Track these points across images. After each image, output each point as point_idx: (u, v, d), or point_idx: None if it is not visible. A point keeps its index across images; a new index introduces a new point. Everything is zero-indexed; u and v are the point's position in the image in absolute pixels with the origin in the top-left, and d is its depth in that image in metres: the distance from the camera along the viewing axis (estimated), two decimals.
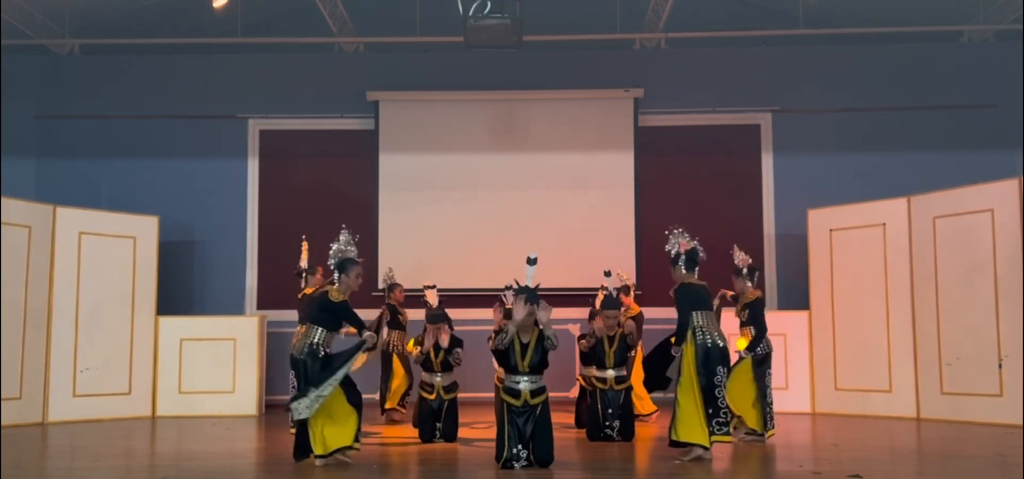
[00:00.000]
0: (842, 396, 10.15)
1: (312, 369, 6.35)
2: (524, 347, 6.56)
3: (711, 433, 6.53)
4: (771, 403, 7.77)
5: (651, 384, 7.40)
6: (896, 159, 11.85)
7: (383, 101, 12.20)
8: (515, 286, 9.07)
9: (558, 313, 10.65)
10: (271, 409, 10.79)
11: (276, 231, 12.15)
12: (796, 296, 11.32)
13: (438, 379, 8.07)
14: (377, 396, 9.77)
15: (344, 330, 6.81)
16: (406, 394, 9.65)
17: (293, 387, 6.93)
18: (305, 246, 9.39)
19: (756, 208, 12.08)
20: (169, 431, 9.08)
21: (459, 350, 8.18)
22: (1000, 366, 8.90)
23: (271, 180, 12.26)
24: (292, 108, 12.28)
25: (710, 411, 6.55)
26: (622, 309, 8.63)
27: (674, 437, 6.56)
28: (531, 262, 6.66)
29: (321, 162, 12.26)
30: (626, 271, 10.61)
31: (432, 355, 8.10)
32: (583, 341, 8.33)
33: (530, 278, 6.67)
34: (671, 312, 6.82)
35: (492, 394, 9.17)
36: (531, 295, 6.51)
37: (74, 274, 9.98)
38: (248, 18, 12.18)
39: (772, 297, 11.86)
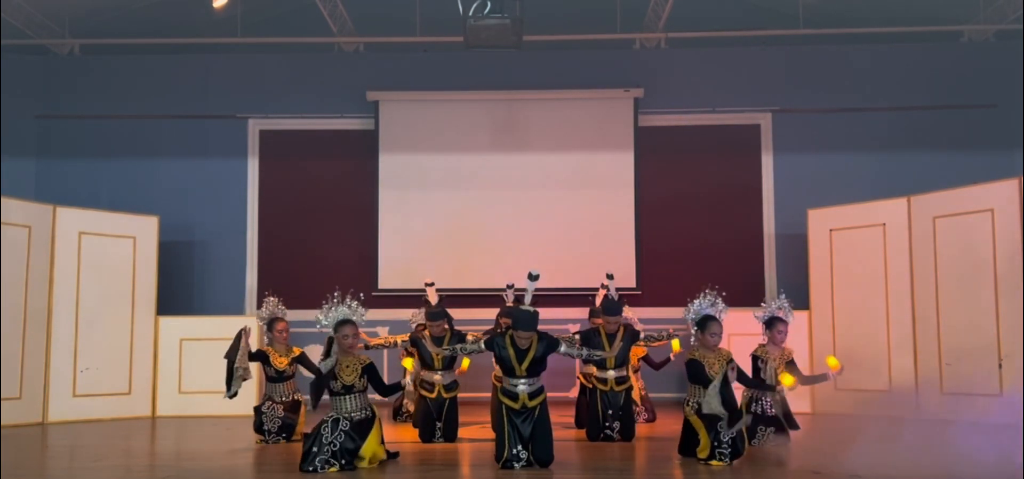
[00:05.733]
0: (842, 396, 10.15)
1: None
2: (522, 353, 6.53)
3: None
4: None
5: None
6: (896, 159, 11.85)
7: (383, 101, 12.20)
8: (508, 290, 9.13)
9: (557, 313, 10.77)
10: None
11: (276, 231, 12.17)
12: (796, 296, 11.25)
13: (438, 377, 8.05)
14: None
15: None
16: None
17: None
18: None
19: (756, 208, 12.08)
20: (169, 431, 9.08)
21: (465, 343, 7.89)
22: (1000, 366, 8.89)
23: (271, 180, 12.26)
24: (292, 108, 12.29)
25: (715, 443, 6.49)
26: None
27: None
28: (532, 278, 6.66)
29: (321, 162, 12.27)
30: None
31: (434, 356, 8.07)
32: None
33: (530, 294, 6.67)
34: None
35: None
36: (530, 321, 6.47)
37: (74, 274, 9.97)
38: (248, 18, 12.18)
39: (772, 297, 11.83)
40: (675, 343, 8.74)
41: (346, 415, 6.37)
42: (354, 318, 6.59)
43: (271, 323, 8.28)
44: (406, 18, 12.04)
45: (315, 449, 6.18)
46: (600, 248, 11.70)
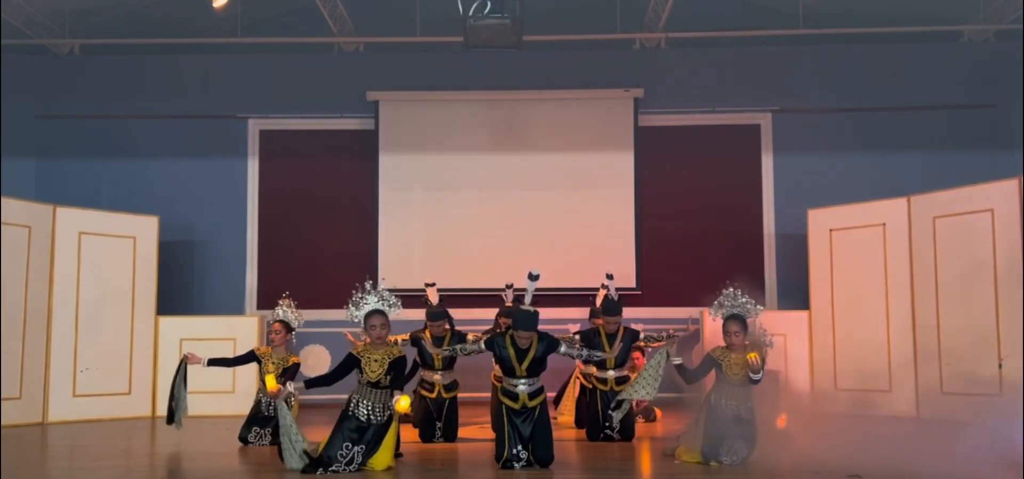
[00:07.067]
0: (842, 396, 10.14)
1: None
2: (522, 353, 6.54)
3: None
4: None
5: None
6: (896, 159, 11.85)
7: (383, 101, 12.20)
8: (507, 290, 9.14)
9: (557, 313, 10.76)
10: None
11: (276, 231, 12.17)
12: (796, 296, 11.32)
13: (438, 377, 8.05)
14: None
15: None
16: None
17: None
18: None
19: (756, 208, 12.08)
20: (169, 431, 9.02)
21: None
22: (1000, 366, 8.89)
23: (271, 180, 12.26)
24: (292, 108, 12.29)
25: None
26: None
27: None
28: (532, 278, 6.66)
29: (321, 162, 12.27)
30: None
31: (434, 356, 8.06)
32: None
33: (530, 294, 6.67)
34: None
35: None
36: (530, 321, 6.47)
37: (74, 274, 9.97)
38: (248, 18, 12.18)
39: (772, 297, 11.87)
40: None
41: (366, 409, 6.25)
42: (384, 309, 6.43)
43: (271, 324, 8.17)
44: (406, 18, 12.04)
45: (327, 456, 6.14)
46: (600, 248, 11.70)
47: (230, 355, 8.26)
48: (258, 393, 8.12)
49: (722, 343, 6.83)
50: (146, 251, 10.54)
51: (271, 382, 7.37)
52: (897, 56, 12.17)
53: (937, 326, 9.49)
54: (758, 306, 6.88)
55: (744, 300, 6.76)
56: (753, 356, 6.50)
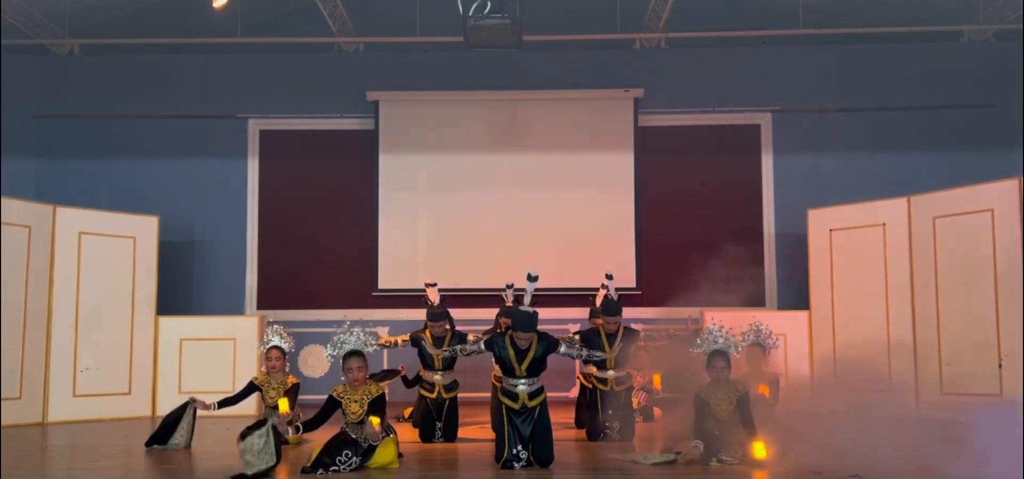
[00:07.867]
0: (842, 396, 10.13)
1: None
2: (522, 353, 6.54)
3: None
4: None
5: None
6: (896, 159, 11.85)
7: (383, 101, 12.20)
8: (507, 290, 9.15)
9: (557, 313, 10.77)
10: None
11: (276, 231, 12.16)
12: (796, 296, 11.33)
13: (439, 377, 8.05)
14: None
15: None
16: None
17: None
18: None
19: (756, 208, 12.08)
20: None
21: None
22: (1000, 366, 8.89)
23: (271, 180, 12.26)
24: (292, 108, 12.28)
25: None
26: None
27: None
28: (531, 279, 6.67)
29: (321, 162, 12.26)
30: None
31: (434, 357, 8.05)
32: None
33: (529, 294, 6.68)
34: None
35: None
36: (529, 322, 6.48)
37: (74, 274, 9.97)
38: (248, 18, 12.18)
39: (772, 297, 11.87)
40: (656, 379, 8.82)
41: (358, 440, 6.31)
42: (361, 348, 6.53)
43: (267, 351, 8.18)
44: (406, 18, 12.04)
45: (327, 459, 6.16)
46: (600, 248, 11.70)
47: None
48: (265, 413, 8.12)
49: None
50: (146, 251, 10.53)
51: (284, 405, 7.65)
52: (897, 56, 12.17)
53: (937, 326, 9.49)
54: (741, 343, 7.03)
55: (722, 332, 6.82)
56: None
